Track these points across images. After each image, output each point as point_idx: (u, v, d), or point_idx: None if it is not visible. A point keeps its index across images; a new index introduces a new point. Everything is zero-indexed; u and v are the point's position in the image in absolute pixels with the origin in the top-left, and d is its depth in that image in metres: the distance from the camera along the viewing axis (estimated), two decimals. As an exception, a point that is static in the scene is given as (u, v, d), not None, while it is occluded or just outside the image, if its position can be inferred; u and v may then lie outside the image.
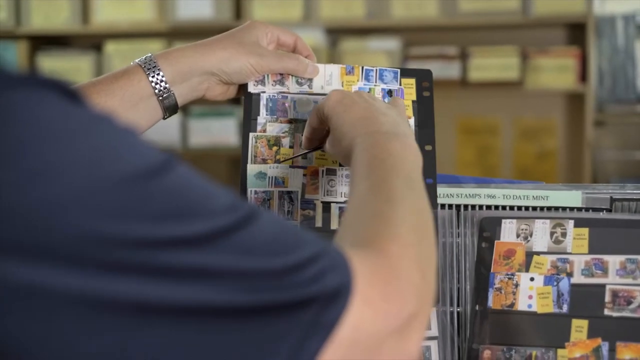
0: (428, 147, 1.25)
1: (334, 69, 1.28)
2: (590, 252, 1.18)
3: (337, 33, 4.31)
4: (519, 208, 1.25)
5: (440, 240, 1.25)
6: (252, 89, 1.26)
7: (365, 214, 0.87)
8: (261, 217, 0.71)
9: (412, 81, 1.29)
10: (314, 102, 1.26)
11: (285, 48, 1.29)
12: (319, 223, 1.21)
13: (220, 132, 4.16)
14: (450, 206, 1.26)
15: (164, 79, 1.21)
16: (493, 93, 4.27)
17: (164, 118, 1.25)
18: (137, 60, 1.23)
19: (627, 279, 1.16)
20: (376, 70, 1.28)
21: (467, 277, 1.23)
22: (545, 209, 1.24)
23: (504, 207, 1.25)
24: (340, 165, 1.23)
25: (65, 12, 4.32)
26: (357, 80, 1.28)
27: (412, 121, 1.26)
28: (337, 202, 1.22)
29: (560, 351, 1.16)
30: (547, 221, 1.21)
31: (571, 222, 1.20)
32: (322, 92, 1.27)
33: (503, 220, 1.23)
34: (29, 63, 4.36)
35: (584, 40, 4.07)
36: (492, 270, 1.21)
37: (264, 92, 1.26)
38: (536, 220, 1.22)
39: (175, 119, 4.01)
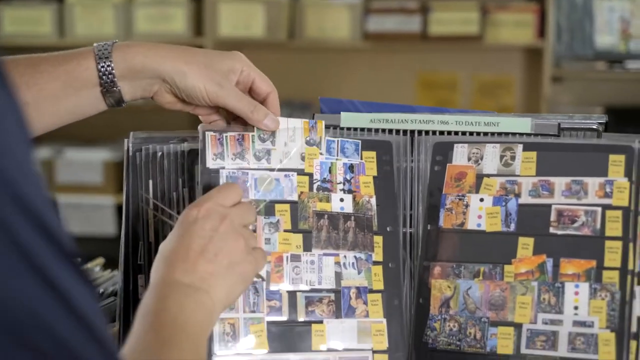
0: (389, 229, 1.26)
1: (297, 124, 1.25)
2: (538, 174, 1.23)
3: (299, -14, 4.33)
4: (471, 134, 1.29)
5: (395, 165, 1.29)
6: (210, 163, 1.21)
7: (167, 357, 0.91)
8: None
9: (373, 154, 1.27)
10: (275, 179, 1.22)
11: (256, 96, 1.23)
12: (285, 315, 1.20)
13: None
14: (405, 132, 1.30)
15: (113, 71, 1.18)
16: (453, 47, 4.31)
17: (111, 107, 1.22)
18: (95, 44, 1.19)
19: (571, 199, 1.21)
20: (337, 141, 1.26)
21: (420, 200, 1.28)
22: (496, 134, 1.29)
23: (456, 133, 1.30)
24: (304, 250, 1.22)
25: (27, -39, 4.30)
26: (319, 154, 1.25)
27: (373, 200, 1.26)
28: (302, 292, 1.21)
29: (507, 267, 1.21)
30: (497, 145, 1.26)
31: (520, 146, 1.25)
32: (282, 167, 1.23)
33: (455, 145, 1.28)
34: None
35: (543, -4, 4.13)
36: (443, 192, 1.26)
37: (223, 167, 1.21)
38: (487, 144, 1.26)
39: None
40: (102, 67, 1.18)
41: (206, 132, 1.21)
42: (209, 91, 1.18)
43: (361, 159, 1.27)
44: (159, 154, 1.28)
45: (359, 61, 4.41)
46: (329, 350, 1.20)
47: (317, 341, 1.20)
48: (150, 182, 1.27)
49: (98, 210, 4.12)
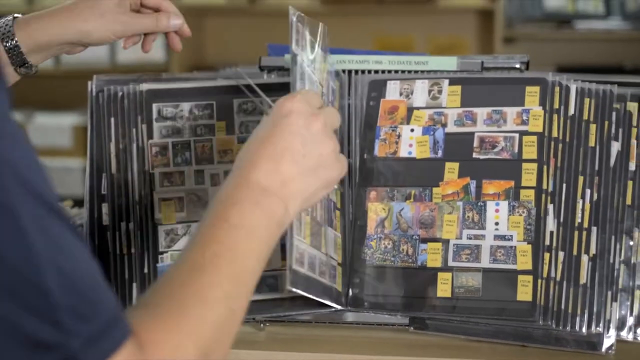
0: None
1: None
2: (462, 105, 1.36)
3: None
4: (403, 72, 1.43)
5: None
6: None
7: (190, 288, 0.82)
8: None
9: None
10: None
11: (149, 9, 1.34)
12: None
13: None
14: (343, 72, 1.43)
15: (18, 46, 1.26)
16: (407, 10, 4.43)
17: (23, 76, 1.30)
18: None
19: (492, 127, 1.34)
20: None
21: (358, 132, 1.41)
22: (425, 72, 1.42)
23: (389, 72, 1.43)
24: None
25: None
26: None
27: None
28: None
29: (435, 189, 1.34)
30: (426, 81, 1.39)
31: (446, 81, 1.38)
32: None
33: (388, 82, 1.41)
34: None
35: (494, -42, 4.25)
36: (378, 124, 1.39)
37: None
38: (416, 80, 1.40)
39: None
40: (8, 42, 1.26)
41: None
42: (117, 34, 1.31)
43: None
44: (120, 94, 1.40)
45: (317, 25, 4.51)
46: None
47: None
48: (112, 119, 1.40)
49: (67, 173, 4.21)
